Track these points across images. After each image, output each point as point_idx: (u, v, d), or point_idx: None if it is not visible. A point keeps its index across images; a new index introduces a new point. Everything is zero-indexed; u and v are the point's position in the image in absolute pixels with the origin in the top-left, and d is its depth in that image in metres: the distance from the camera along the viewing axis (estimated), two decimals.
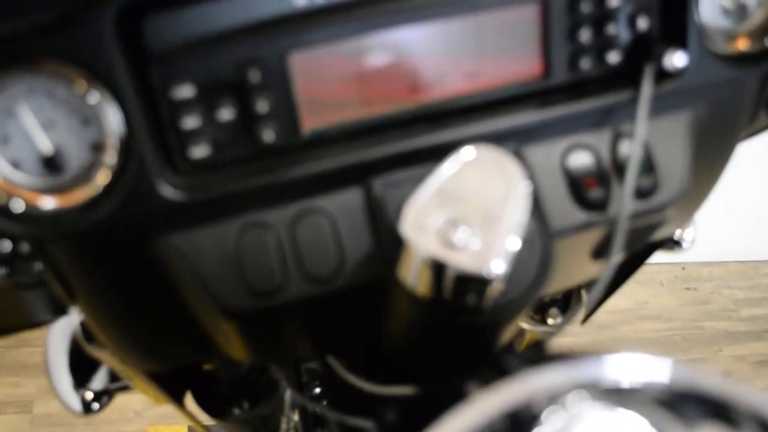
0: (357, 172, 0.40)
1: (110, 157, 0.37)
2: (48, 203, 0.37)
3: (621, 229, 0.42)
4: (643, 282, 2.42)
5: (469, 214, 0.33)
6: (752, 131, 0.54)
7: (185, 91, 0.37)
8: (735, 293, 2.46)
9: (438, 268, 0.33)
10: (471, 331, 0.38)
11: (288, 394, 0.75)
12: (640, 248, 0.53)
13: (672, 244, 0.64)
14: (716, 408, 0.25)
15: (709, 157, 0.48)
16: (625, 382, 0.26)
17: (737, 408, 0.25)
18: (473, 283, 0.34)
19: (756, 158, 1.62)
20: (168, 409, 0.64)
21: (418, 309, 0.36)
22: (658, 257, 0.61)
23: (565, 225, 0.42)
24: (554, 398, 0.25)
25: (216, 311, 0.40)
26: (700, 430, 0.24)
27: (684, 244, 0.64)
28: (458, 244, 0.33)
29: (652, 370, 0.27)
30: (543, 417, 0.24)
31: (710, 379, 0.26)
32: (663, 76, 0.42)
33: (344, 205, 0.40)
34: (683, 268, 2.52)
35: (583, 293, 0.71)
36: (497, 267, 0.32)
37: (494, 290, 0.35)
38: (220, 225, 0.39)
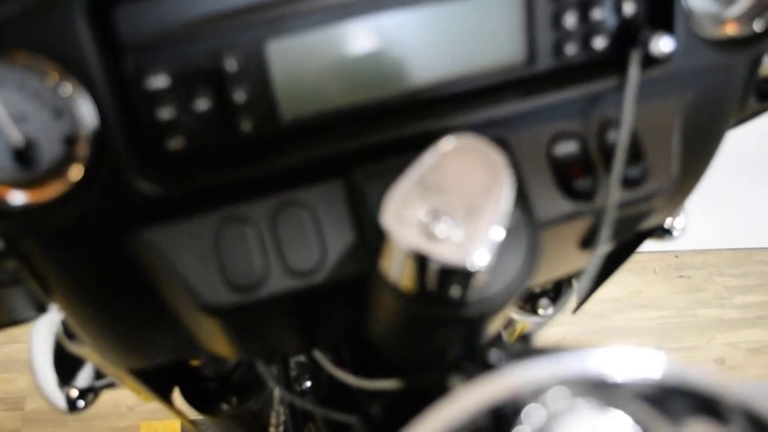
0: (337, 162, 0.39)
1: (83, 151, 0.35)
2: (18, 198, 0.36)
3: (608, 219, 0.41)
4: (636, 270, 2.42)
5: (451, 204, 0.32)
6: (742, 118, 0.54)
7: (159, 81, 0.36)
8: (728, 281, 2.46)
9: (420, 261, 0.32)
10: (456, 325, 0.37)
11: (277, 389, 0.75)
12: (630, 237, 0.52)
13: (662, 232, 0.63)
14: (704, 403, 0.24)
15: (699, 144, 0.47)
16: (611, 377, 0.25)
17: (725, 402, 0.24)
18: (456, 276, 0.33)
19: (747, 145, 1.62)
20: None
21: (401, 302, 0.36)
22: (651, 245, 0.61)
23: (551, 215, 0.42)
24: (538, 394, 0.25)
25: (196, 307, 0.39)
26: (687, 426, 0.23)
27: (674, 233, 0.63)
28: (440, 236, 0.32)
29: (640, 364, 0.26)
30: (523, 415, 0.23)
31: (698, 374, 0.25)
32: (650, 61, 0.41)
33: (325, 196, 0.39)
34: (676, 256, 2.52)
35: (574, 283, 0.71)
36: (480, 258, 0.32)
37: (478, 282, 0.35)
38: (198, 219, 0.38)
